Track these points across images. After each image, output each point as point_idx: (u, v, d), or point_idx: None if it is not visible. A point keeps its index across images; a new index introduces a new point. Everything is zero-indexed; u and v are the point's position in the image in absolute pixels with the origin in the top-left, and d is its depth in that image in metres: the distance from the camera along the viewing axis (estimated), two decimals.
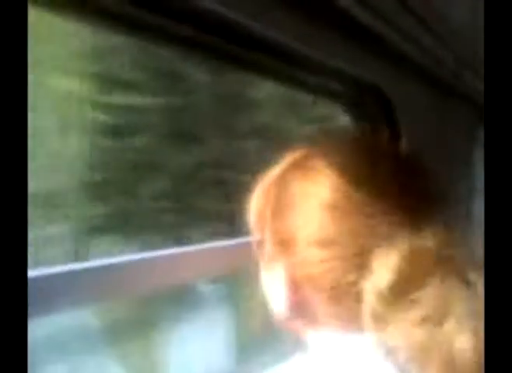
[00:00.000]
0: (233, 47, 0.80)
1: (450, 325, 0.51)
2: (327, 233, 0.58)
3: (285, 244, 0.62)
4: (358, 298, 0.55)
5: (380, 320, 0.53)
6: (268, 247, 0.64)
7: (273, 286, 0.64)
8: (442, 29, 1.13)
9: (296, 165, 0.65)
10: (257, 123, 4.43)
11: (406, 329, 0.52)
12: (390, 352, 0.53)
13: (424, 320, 0.52)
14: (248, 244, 0.70)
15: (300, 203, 0.61)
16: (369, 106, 1.19)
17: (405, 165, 0.64)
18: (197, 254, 0.85)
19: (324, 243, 0.58)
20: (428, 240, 0.55)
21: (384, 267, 0.54)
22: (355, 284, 0.56)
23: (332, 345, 0.61)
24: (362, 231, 0.57)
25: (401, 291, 0.53)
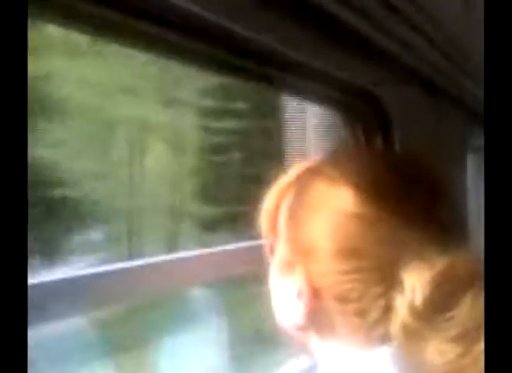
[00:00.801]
0: (219, 52, 0.79)
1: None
2: (353, 243, 0.57)
3: (305, 252, 0.60)
4: (384, 311, 0.55)
5: (412, 335, 0.53)
6: (285, 253, 0.63)
7: (287, 292, 0.62)
8: (435, 33, 1.13)
9: (315, 172, 0.63)
10: None
11: (441, 346, 0.51)
12: (419, 367, 0.52)
13: (460, 337, 0.51)
14: (250, 248, 0.69)
15: (322, 209, 0.60)
16: (363, 111, 1.19)
17: (422, 174, 0.63)
18: (194, 260, 0.85)
19: (349, 253, 0.57)
20: (463, 255, 0.55)
21: (419, 282, 0.53)
22: (382, 295, 0.55)
23: (343, 357, 0.60)
24: (389, 242, 0.56)
25: (436, 308, 0.52)
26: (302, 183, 0.63)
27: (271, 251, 0.65)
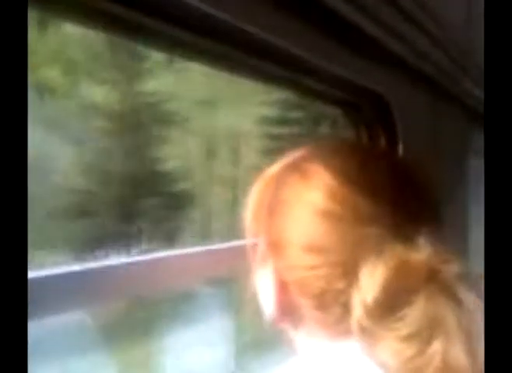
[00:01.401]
0: (231, 51, 0.80)
1: (439, 343, 0.50)
2: (318, 239, 0.57)
3: (276, 246, 0.62)
4: (346, 307, 0.55)
5: (367, 334, 0.53)
6: (261, 247, 0.64)
7: (263, 286, 0.64)
8: (440, 34, 1.13)
9: (293, 167, 0.64)
10: None
11: (394, 346, 0.51)
12: (380, 366, 0.52)
13: (412, 337, 0.51)
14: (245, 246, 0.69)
15: (294, 206, 0.61)
16: (367, 109, 1.20)
17: (402, 172, 0.63)
18: (194, 256, 0.85)
19: (315, 249, 0.58)
20: (417, 253, 0.54)
21: (371, 280, 0.53)
22: (343, 292, 0.55)
23: (319, 349, 0.60)
24: (354, 240, 0.56)
25: (387, 307, 0.52)
26: (280, 177, 0.64)
27: (254, 247, 0.66)
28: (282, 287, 0.61)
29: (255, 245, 0.65)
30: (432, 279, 0.52)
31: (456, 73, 1.40)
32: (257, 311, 0.66)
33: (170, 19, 0.68)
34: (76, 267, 0.66)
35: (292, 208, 0.60)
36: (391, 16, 0.95)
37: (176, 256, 0.82)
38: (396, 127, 1.19)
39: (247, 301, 0.69)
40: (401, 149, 1.18)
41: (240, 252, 0.68)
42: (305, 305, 0.60)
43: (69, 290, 0.66)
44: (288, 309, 0.62)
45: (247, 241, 0.67)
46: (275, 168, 0.66)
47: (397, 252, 0.54)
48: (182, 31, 0.72)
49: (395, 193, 0.59)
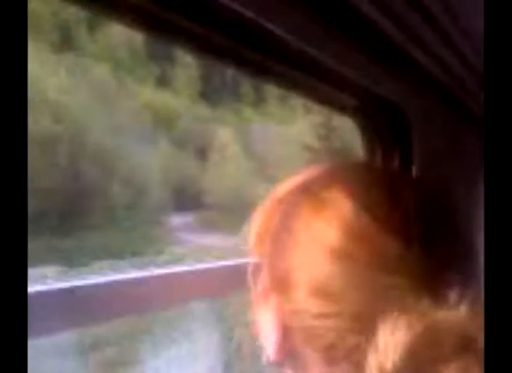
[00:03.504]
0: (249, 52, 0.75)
1: None
2: (330, 283, 0.48)
3: (280, 283, 0.52)
4: (358, 366, 0.46)
5: None
6: (264, 278, 0.55)
7: (264, 322, 0.55)
8: (466, 47, 1.07)
9: (304, 190, 0.55)
10: None
11: None
12: None
13: None
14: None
15: (303, 239, 0.51)
16: (382, 121, 1.13)
17: (434, 206, 0.53)
18: (193, 275, 0.79)
19: (325, 295, 0.48)
20: (449, 313, 0.44)
21: (392, 342, 0.44)
22: (356, 349, 0.46)
23: None
24: (372, 288, 0.47)
25: None
26: (289, 202, 0.55)
27: (255, 273, 0.57)
28: (285, 332, 0.52)
29: (257, 271, 0.56)
30: (466, 348, 0.43)
31: (476, 88, 1.34)
32: (255, 347, 0.59)
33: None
34: (65, 284, 0.60)
35: (300, 242, 0.51)
36: (417, 23, 0.88)
37: (173, 274, 0.76)
38: (412, 141, 1.12)
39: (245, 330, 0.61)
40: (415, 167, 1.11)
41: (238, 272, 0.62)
42: (310, 356, 0.51)
43: (58, 308, 0.60)
44: (290, 356, 0.53)
45: (245, 263, 0.59)
46: (284, 188, 0.57)
47: (424, 308, 0.45)
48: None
49: (426, 233, 0.49)
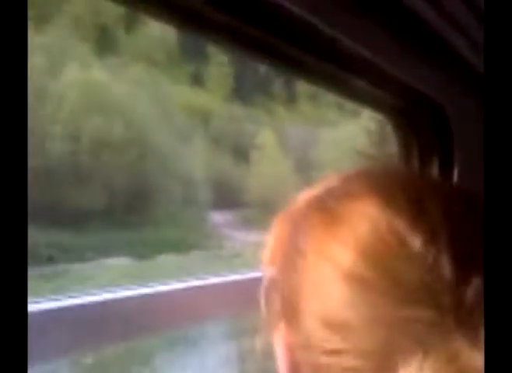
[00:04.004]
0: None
1: None
2: (344, 313, 0.41)
3: (290, 309, 0.46)
4: None
5: None
6: (276, 302, 0.48)
7: (277, 352, 0.49)
8: None
9: (319, 205, 0.47)
10: None
11: None
12: None
13: None
14: None
15: (314, 261, 0.44)
16: (420, 119, 1.06)
17: (473, 223, 0.44)
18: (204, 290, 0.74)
19: (339, 327, 0.41)
20: (476, 358, 0.37)
21: None
22: None
23: None
24: (393, 321, 0.39)
25: None
26: (300, 216, 0.48)
27: (269, 291, 0.49)
28: (292, 365, 0.46)
29: (269, 291, 0.49)
30: None
31: None
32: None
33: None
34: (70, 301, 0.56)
35: (311, 264, 0.44)
36: (466, 20, 0.82)
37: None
38: (453, 145, 1.05)
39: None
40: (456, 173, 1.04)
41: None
42: None
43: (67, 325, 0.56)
44: None
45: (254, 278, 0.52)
46: (298, 201, 0.50)
47: (455, 350, 0.37)
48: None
49: (459, 256, 0.41)
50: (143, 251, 12.38)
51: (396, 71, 0.83)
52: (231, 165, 18.90)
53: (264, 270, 0.51)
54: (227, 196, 17.38)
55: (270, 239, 0.52)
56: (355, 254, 0.42)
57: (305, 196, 0.50)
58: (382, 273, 0.41)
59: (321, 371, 0.43)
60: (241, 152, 19.20)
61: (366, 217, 0.43)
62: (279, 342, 0.47)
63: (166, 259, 12.22)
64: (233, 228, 16.56)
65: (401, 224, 0.42)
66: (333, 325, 0.42)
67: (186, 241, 13.93)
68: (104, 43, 17.98)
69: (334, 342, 0.41)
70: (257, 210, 16.36)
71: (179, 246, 13.08)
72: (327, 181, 0.50)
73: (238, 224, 16.93)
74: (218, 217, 16.93)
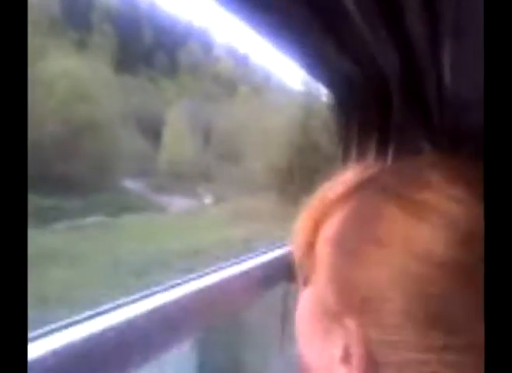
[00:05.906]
0: None
1: None
2: (436, 304, 0.38)
3: (361, 301, 0.41)
4: None
5: None
6: (328, 295, 0.44)
7: (326, 351, 0.44)
8: None
9: (380, 187, 0.44)
10: None
11: None
12: None
13: None
14: None
15: (392, 246, 0.40)
16: (361, 91, 1.01)
17: None
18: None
19: (432, 319, 0.38)
20: None
21: None
22: None
23: None
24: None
25: None
26: (360, 200, 0.44)
27: (305, 284, 0.47)
28: (369, 362, 0.40)
29: (306, 286, 0.46)
30: None
31: None
32: None
33: None
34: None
35: (387, 250, 0.40)
36: None
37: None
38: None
39: None
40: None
41: None
42: None
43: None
44: None
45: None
46: (342, 184, 0.46)
47: None
48: None
49: None
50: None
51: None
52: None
53: (300, 265, 0.48)
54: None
55: (302, 232, 0.48)
56: (445, 237, 0.39)
57: (341, 185, 0.46)
58: (481, 257, 0.37)
59: (409, 366, 0.39)
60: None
61: (457, 202, 0.40)
62: (343, 339, 0.42)
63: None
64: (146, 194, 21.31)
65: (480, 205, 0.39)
66: (425, 318, 0.38)
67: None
68: None
69: (426, 336, 0.38)
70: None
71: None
72: (362, 169, 0.47)
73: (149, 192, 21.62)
74: (132, 185, 21.59)
